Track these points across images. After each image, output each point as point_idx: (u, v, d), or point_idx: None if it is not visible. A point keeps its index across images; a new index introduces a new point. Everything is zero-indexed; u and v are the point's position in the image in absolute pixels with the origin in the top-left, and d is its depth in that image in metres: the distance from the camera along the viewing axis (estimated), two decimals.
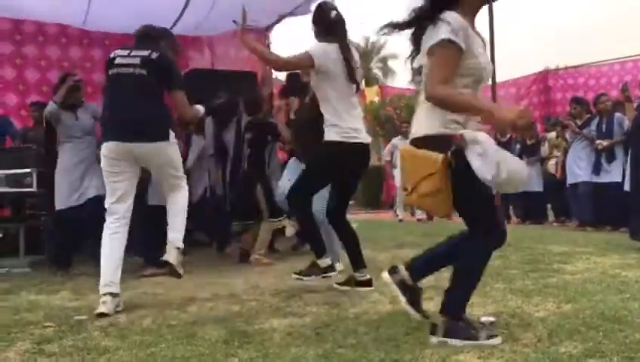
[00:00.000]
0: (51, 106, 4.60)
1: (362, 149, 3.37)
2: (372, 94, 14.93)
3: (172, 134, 3.35)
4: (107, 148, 3.22)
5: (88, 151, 4.73)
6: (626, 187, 5.50)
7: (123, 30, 6.56)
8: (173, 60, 3.45)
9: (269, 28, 7.49)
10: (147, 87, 3.27)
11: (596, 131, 6.89)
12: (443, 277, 3.68)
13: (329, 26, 3.36)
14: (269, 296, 3.34)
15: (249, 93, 5.46)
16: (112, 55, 3.40)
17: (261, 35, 7.80)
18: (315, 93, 3.56)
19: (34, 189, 4.92)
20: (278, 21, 7.15)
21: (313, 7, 3.58)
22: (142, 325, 2.73)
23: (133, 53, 3.33)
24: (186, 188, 3.47)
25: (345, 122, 3.28)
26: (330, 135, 3.30)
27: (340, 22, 3.37)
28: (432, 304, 2.90)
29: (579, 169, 6.99)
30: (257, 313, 2.89)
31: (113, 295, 3.04)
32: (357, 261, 3.51)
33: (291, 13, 6.73)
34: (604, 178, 6.70)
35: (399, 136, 10.07)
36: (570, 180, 7.13)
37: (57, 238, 4.76)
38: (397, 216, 9.88)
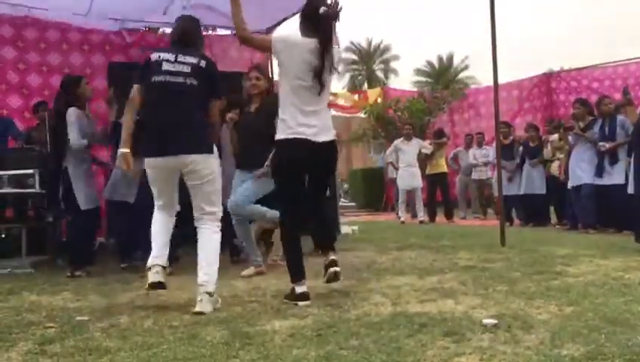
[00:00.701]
0: (80, 144, 4.63)
1: (310, 146, 3.21)
2: (375, 96, 14.93)
3: (215, 149, 3.28)
4: (155, 163, 3.17)
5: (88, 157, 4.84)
6: (630, 190, 5.49)
7: (124, 26, 6.59)
8: (215, 65, 3.36)
9: (268, 31, 7.50)
10: (197, 99, 3.20)
11: (599, 133, 6.87)
12: (446, 279, 3.70)
13: (314, 20, 3.21)
14: (270, 298, 3.34)
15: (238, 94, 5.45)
16: (155, 57, 3.23)
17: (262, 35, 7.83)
18: (262, 105, 3.63)
19: (37, 190, 4.94)
20: (278, 24, 7.16)
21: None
22: (143, 326, 2.73)
23: (181, 58, 3.19)
24: (218, 222, 3.28)
25: (294, 119, 3.20)
26: (278, 132, 3.29)
27: (326, 18, 3.19)
28: (434, 306, 2.90)
29: (581, 171, 6.97)
30: (259, 314, 2.89)
31: (164, 267, 3.16)
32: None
33: (294, 14, 6.74)
34: (606, 180, 6.68)
35: (401, 138, 10.07)
36: (572, 182, 7.12)
37: (82, 238, 4.79)
38: (399, 217, 9.88)
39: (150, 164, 3.20)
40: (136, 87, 3.25)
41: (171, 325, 2.72)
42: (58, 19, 6.69)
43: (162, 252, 3.21)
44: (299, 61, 3.20)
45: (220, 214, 3.30)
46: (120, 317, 2.95)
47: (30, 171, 4.95)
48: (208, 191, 3.22)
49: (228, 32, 7.53)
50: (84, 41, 6.94)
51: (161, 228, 3.28)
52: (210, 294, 3.02)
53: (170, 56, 3.20)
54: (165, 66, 3.17)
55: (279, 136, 3.27)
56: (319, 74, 3.19)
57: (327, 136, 3.29)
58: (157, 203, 3.32)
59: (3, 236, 5.53)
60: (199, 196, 3.22)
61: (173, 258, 4.52)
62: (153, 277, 3.12)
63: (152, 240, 3.24)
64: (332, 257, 3.35)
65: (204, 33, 7.12)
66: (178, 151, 3.13)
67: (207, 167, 3.19)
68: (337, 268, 3.32)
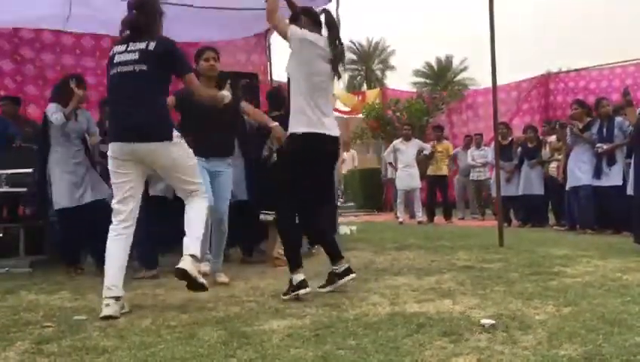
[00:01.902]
0: (59, 120, 4.49)
1: (327, 140, 3.36)
2: (373, 96, 14.92)
3: (176, 133, 3.19)
4: (112, 148, 3.15)
5: (83, 154, 4.78)
6: (629, 190, 5.49)
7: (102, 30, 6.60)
8: (171, 43, 3.22)
9: (269, 30, 7.51)
10: (148, 84, 3.14)
11: (597, 135, 6.88)
12: (444, 279, 3.70)
13: (319, 22, 3.41)
14: (268, 298, 3.34)
15: (251, 94, 5.47)
16: (111, 53, 3.26)
17: (261, 37, 7.83)
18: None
19: (35, 189, 4.93)
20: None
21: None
22: (141, 326, 2.73)
23: (131, 46, 3.15)
24: (205, 195, 3.30)
25: (315, 114, 3.32)
26: (297, 125, 3.34)
27: (325, 14, 3.43)
28: (432, 306, 2.90)
29: (580, 172, 6.97)
30: (257, 314, 2.89)
31: (116, 298, 2.96)
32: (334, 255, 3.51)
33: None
34: (604, 182, 6.69)
35: (400, 139, 10.07)
36: (571, 183, 7.12)
37: (64, 236, 4.76)
38: (397, 218, 9.88)
39: (112, 149, 3.15)
40: None
41: (169, 325, 2.72)
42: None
43: (118, 280, 3.02)
44: (316, 58, 3.34)
45: (199, 183, 3.26)
46: (117, 316, 2.94)
47: (29, 170, 4.94)
48: (179, 172, 3.20)
49: None
50: (76, 44, 7.05)
51: (117, 249, 3.10)
52: (193, 256, 3.03)
53: (121, 48, 3.18)
54: (117, 59, 3.16)
55: (300, 129, 3.30)
56: (335, 69, 3.38)
57: (336, 130, 3.44)
58: (115, 199, 3.17)
59: (1, 235, 5.53)
60: (173, 179, 3.25)
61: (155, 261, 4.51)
62: (105, 310, 2.92)
63: (106, 263, 3.07)
64: (346, 265, 3.48)
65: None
66: (135, 138, 3.08)
67: (169, 154, 3.13)
68: (353, 274, 3.48)
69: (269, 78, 8.01)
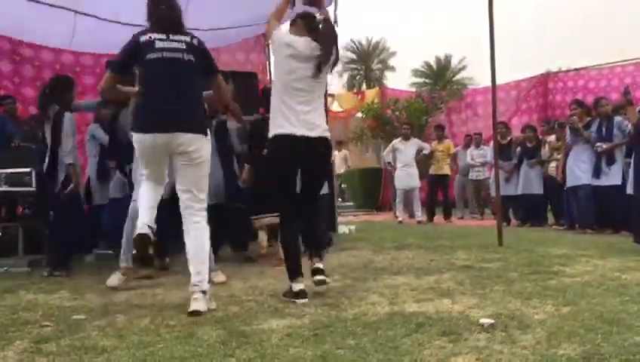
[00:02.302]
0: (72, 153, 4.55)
1: (298, 142, 3.27)
2: (373, 96, 14.92)
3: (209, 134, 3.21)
4: (148, 139, 3.06)
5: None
6: (629, 190, 5.49)
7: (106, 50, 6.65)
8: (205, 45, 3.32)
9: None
10: (195, 75, 3.17)
11: (596, 134, 6.88)
12: (443, 278, 3.70)
13: (314, 28, 3.41)
14: (267, 297, 3.34)
15: (250, 93, 5.47)
16: (144, 39, 3.12)
17: (260, 36, 7.82)
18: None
19: (33, 188, 4.93)
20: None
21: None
22: (140, 325, 2.73)
23: (173, 37, 3.13)
24: (205, 213, 3.17)
25: (292, 116, 3.29)
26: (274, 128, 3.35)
27: (324, 25, 3.42)
28: (431, 305, 2.90)
29: (580, 172, 6.98)
30: (256, 313, 2.89)
31: (151, 228, 3.06)
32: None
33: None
34: (604, 181, 6.69)
35: (399, 138, 10.07)
36: (570, 183, 7.13)
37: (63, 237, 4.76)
38: (396, 217, 9.88)
39: (141, 140, 3.10)
40: (110, 75, 3.27)
41: (168, 324, 2.72)
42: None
43: (149, 218, 3.08)
44: (290, 59, 3.34)
45: (205, 203, 3.18)
46: (116, 316, 2.94)
47: (27, 170, 4.94)
48: (198, 174, 3.13)
49: None
50: (75, 63, 7.13)
51: (149, 194, 3.17)
52: (204, 293, 2.97)
53: (162, 36, 3.12)
54: (159, 44, 3.09)
55: (272, 131, 3.31)
56: (317, 70, 3.34)
57: (319, 131, 3.33)
58: (145, 172, 3.20)
59: (0, 234, 5.52)
60: (188, 178, 3.11)
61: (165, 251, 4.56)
62: (195, 304, 2.92)
63: (139, 206, 3.17)
64: (317, 265, 3.36)
65: None
66: (174, 128, 3.03)
67: (201, 148, 3.11)
68: (322, 276, 3.32)
69: (268, 77, 8.01)
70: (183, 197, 3.12)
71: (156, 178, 3.21)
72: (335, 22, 5.81)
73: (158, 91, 3.11)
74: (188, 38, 3.18)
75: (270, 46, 3.47)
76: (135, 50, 3.14)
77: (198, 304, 2.91)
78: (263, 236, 5.05)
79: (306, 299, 3.16)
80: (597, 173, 6.76)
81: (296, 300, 3.13)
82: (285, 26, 3.57)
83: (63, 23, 5.89)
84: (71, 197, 4.61)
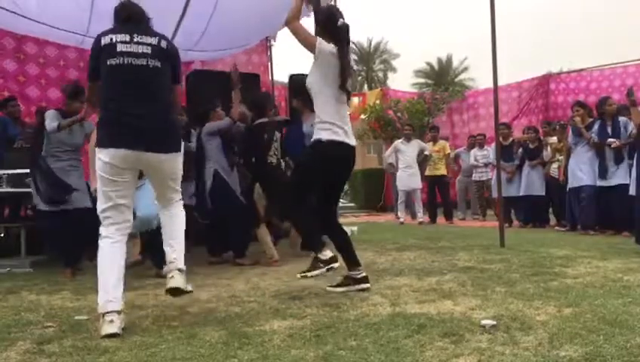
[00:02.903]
0: (52, 127, 4.48)
1: (349, 151, 3.46)
2: (374, 97, 14.93)
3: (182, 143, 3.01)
4: (111, 155, 2.71)
5: (74, 165, 4.80)
6: (631, 191, 5.48)
7: None
8: (177, 49, 3.01)
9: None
10: (163, 84, 2.84)
11: (600, 134, 6.85)
12: (445, 279, 3.70)
13: (334, 31, 3.46)
14: (269, 298, 3.34)
15: (253, 95, 5.49)
16: (106, 40, 2.78)
17: (263, 40, 7.84)
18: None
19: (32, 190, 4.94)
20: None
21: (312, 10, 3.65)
22: (142, 326, 2.73)
23: (137, 39, 2.79)
24: (182, 202, 3.04)
25: (339, 124, 3.42)
26: (323, 134, 3.40)
27: (344, 30, 3.48)
28: (433, 306, 2.90)
29: (582, 173, 6.97)
30: (257, 314, 2.89)
31: (119, 312, 2.62)
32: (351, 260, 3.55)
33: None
34: (612, 181, 6.61)
35: (401, 139, 10.06)
36: (572, 184, 7.12)
37: (60, 237, 4.76)
38: (398, 218, 9.87)
39: (112, 155, 2.71)
40: (90, 85, 2.96)
41: (170, 325, 2.73)
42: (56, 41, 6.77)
43: (117, 292, 2.66)
44: (335, 70, 3.40)
45: (180, 191, 3.03)
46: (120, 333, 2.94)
47: (28, 171, 4.95)
48: (171, 183, 2.95)
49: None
50: (79, 58, 7.02)
51: (111, 260, 2.72)
52: (180, 271, 2.84)
53: (124, 37, 2.77)
54: (121, 48, 2.75)
55: (326, 137, 3.38)
56: (344, 82, 3.43)
57: (354, 140, 3.52)
58: (106, 214, 2.76)
59: (2, 235, 5.54)
60: (164, 189, 2.94)
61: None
62: (108, 327, 2.55)
63: (100, 276, 2.68)
64: (364, 274, 3.52)
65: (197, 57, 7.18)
66: (147, 147, 2.74)
67: (175, 166, 2.91)
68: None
69: (269, 78, 8.02)
70: (159, 201, 2.99)
71: (122, 215, 2.79)
72: None
73: (121, 102, 2.76)
74: (155, 40, 2.83)
75: (314, 55, 3.40)
76: (97, 53, 2.81)
77: (176, 281, 2.79)
78: (268, 240, 5.03)
79: (338, 263, 3.35)
80: (603, 172, 6.72)
81: (332, 265, 3.31)
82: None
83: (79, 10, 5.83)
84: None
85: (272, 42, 8.09)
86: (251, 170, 5.14)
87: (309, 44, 3.41)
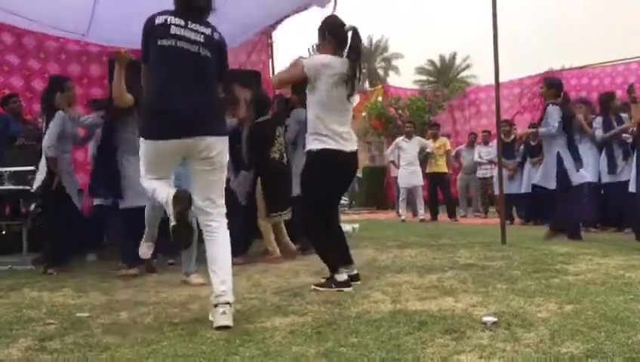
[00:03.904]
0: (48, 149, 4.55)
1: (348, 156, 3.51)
2: (375, 94, 14.92)
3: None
4: (160, 147, 2.69)
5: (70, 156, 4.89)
6: (631, 188, 5.48)
7: (124, 43, 6.64)
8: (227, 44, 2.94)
9: (272, 26, 7.50)
10: (211, 73, 2.80)
11: (606, 130, 6.82)
12: (446, 276, 3.70)
13: (343, 37, 3.47)
14: (270, 295, 3.34)
15: (255, 93, 5.49)
16: (160, 20, 2.71)
17: (262, 34, 7.82)
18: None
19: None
20: (279, 21, 7.16)
21: (313, 8, 3.66)
22: (144, 323, 2.74)
23: (192, 25, 2.73)
24: (225, 219, 2.84)
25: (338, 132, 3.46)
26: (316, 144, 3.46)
27: (353, 39, 3.46)
28: (434, 303, 2.90)
29: (584, 170, 6.95)
30: (259, 311, 2.89)
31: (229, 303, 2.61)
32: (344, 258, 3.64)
33: (295, 12, 6.75)
34: (621, 176, 6.57)
35: (402, 136, 10.06)
36: (574, 182, 7.09)
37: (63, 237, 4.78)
38: (399, 216, 9.88)
39: (154, 147, 2.71)
40: (144, 67, 2.86)
41: (171, 322, 2.73)
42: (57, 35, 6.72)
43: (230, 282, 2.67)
44: (331, 79, 3.40)
45: (224, 207, 2.87)
46: (120, 313, 2.95)
47: (31, 168, 4.96)
48: (218, 180, 2.81)
49: None
50: (82, 52, 6.97)
51: (161, 183, 2.77)
52: (229, 304, 2.62)
53: (179, 21, 2.72)
54: (175, 30, 2.70)
55: (315, 147, 3.44)
56: (353, 86, 3.44)
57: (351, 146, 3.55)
58: (149, 175, 2.79)
59: (4, 232, 5.55)
60: (207, 185, 2.78)
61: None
62: (223, 319, 2.55)
63: (157, 193, 2.72)
64: (356, 272, 3.64)
65: None
66: (195, 131, 2.67)
67: (222, 151, 2.78)
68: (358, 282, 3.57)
69: (270, 75, 8.01)
70: (200, 205, 2.77)
71: (163, 177, 2.84)
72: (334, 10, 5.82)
73: (170, 87, 2.71)
74: (208, 31, 2.79)
75: (309, 78, 3.42)
76: (148, 32, 2.75)
77: (225, 318, 2.56)
78: (270, 237, 5.03)
79: (351, 288, 3.37)
80: (613, 168, 6.69)
81: (344, 289, 3.33)
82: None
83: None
84: (57, 194, 4.64)
85: (273, 39, 8.08)
86: (254, 166, 5.14)
87: (297, 74, 3.46)
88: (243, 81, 5.77)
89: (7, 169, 5.03)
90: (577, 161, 5.78)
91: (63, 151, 4.70)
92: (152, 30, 2.73)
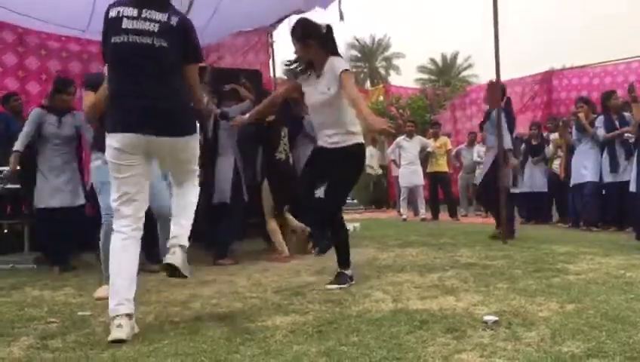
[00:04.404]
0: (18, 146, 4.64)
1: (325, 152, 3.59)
2: (377, 93, 14.92)
3: (197, 125, 2.80)
4: (118, 139, 2.55)
5: (70, 156, 4.84)
6: (632, 188, 5.47)
7: None
8: (190, 21, 2.74)
9: (272, 26, 7.50)
10: (171, 65, 2.61)
11: (608, 129, 6.81)
12: (447, 276, 3.70)
13: (324, 42, 3.47)
14: (271, 294, 3.35)
15: (258, 93, 5.48)
16: (113, 14, 2.58)
17: (263, 33, 7.81)
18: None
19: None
20: (280, 20, 7.16)
21: (315, 8, 3.69)
22: (145, 321, 2.74)
23: (145, 14, 2.55)
24: (197, 183, 2.87)
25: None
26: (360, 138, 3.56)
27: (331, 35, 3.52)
28: (435, 303, 2.90)
29: (585, 169, 6.96)
30: (260, 310, 2.89)
31: (129, 316, 2.47)
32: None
33: (296, 12, 6.75)
34: (624, 176, 6.57)
35: (403, 136, 10.05)
36: (575, 180, 7.10)
37: (45, 237, 4.80)
38: (401, 215, 9.87)
39: (120, 140, 2.55)
40: (107, 67, 2.75)
41: (172, 320, 2.73)
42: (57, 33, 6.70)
43: (128, 294, 2.53)
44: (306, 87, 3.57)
45: (197, 171, 2.85)
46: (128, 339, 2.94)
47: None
48: (187, 166, 2.78)
49: None
50: (83, 51, 6.96)
51: (120, 259, 2.57)
52: (182, 247, 2.65)
53: (132, 11, 2.55)
54: (126, 24, 2.54)
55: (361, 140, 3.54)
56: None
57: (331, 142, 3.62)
58: (116, 206, 2.62)
59: (5, 231, 5.55)
60: (178, 172, 2.79)
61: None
62: (116, 332, 2.40)
63: (110, 276, 2.58)
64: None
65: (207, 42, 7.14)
66: (157, 131, 2.57)
67: (189, 149, 2.72)
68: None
69: (270, 75, 8.01)
70: (172, 176, 2.85)
71: (134, 208, 2.62)
72: (341, 18, 5.81)
73: (125, 84, 2.58)
74: (165, 17, 2.58)
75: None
76: (105, 28, 2.61)
77: (176, 257, 2.58)
78: (278, 236, 5.03)
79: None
80: (615, 167, 6.68)
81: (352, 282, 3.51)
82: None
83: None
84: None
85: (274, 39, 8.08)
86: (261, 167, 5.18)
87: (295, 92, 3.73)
88: (249, 79, 5.76)
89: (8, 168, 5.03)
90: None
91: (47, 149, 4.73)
92: (107, 25, 2.61)
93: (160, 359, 2.12)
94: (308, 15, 6.00)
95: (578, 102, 7.48)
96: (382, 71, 40.16)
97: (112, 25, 2.57)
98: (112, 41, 2.56)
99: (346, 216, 8.29)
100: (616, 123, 6.77)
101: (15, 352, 2.28)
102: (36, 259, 5.00)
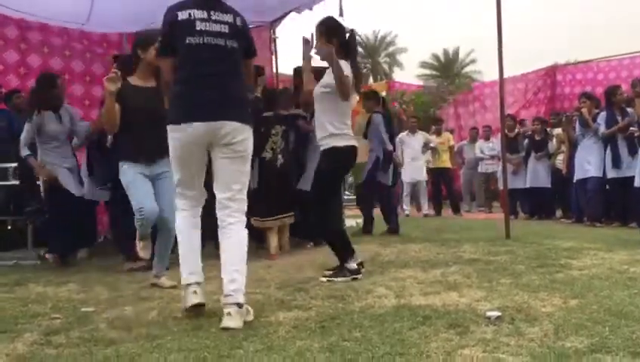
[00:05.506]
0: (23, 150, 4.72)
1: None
2: (380, 89, 14.88)
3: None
4: (187, 130, 2.63)
5: (70, 149, 4.88)
6: (637, 183, 5.46)
7: (123, 29, 6.56)
8: (247, 22, 2.91)
9: (275, 22, 7.48)
10: (239, 62, 2.78)
11: (609, 124, 6.78)
12: (450, 271, 3.70)
13: (344, 44, 3.67)
14: (274, 290, 3.35)
15: (264, 87, 5.48)
16: (183, 16, 2.66)
17: (266, 28, 7.79)
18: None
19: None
20: (283, 16, 7.14)
21: (318, 4, 3.75)
22: (148, 317, 2.75)
23: (215, 16, 2.69)
24: (244, 219, 2.75)
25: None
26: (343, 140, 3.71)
27: (352, 41, 3.76)
28: (438, 298, 2.90)
29: (588, 165, 6.93)
30: (262, 306, 2.89)
31: (199, 283, 2.73)
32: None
33: (297, 10, 6.74)
34: (627, 172, 6.54)
35: (406, 132, 10.03)
36: (578, 176, 7.08)
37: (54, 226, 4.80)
38: (403, 210, 9.86)
39: (179, 130, 2.66)
40: (164, 60, 2.84)
41: (176, 316, 2.74)
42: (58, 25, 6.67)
43: (197, 264, 2.78)
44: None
45: (245, 201, 2.77)
46: (125, 308, 2.97)
47: None
48: (241, 170, 2.73)
49: None
50: (85, 49, 6.91)
51: (184, 233, 2.79)
52: (239, 305, 2.52)
53: (202, 14, 2.67)
54: (200, 26, 2.65)
55: (346, 143, 3.71)
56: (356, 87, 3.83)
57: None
58: (178, 187, 2.80)
59: (9, 228, 5.58)
60: (229, 174, 2.70)
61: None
62: (192, 298, 2.69)
63: (180, 249, 2.79)
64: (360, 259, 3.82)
65: None
66: (220, 116, 2.64)
67: (247, 140, 2.73)
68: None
69: (273, 71, 7.99)
70: (220, 197, 2.70)
71: (192, 186, 2.79)
72: (340, 14, 5.81)
73: (198, 79, 2.70)
74: (231, 18, 2.73)
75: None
76: (172, 29, 2.71)
77: (231, 320, 2.47)
78: (273, 238, 5.01)
79: (361, 275, 3.61)
80: (618, 162, 6.65)
81: (357, 276, 3.56)
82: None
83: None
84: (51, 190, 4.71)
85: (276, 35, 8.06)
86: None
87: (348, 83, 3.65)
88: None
89: (11, 165, 5.05)
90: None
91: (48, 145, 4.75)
92: (177, 26, 2.68)
93: (163, 354, 2.13)
94: (309, 11, 6.00)
95: (581, 98, 7.45)
96: (385, 67, 40.08)
97: (184, 26, 2.67)
98: (187, 42, 2.67)
99: (348, 212, 8.34)
100: (619, 119, 6.74)
101: (19, 348, 2.29)
102: (40, 255, 5.01)
